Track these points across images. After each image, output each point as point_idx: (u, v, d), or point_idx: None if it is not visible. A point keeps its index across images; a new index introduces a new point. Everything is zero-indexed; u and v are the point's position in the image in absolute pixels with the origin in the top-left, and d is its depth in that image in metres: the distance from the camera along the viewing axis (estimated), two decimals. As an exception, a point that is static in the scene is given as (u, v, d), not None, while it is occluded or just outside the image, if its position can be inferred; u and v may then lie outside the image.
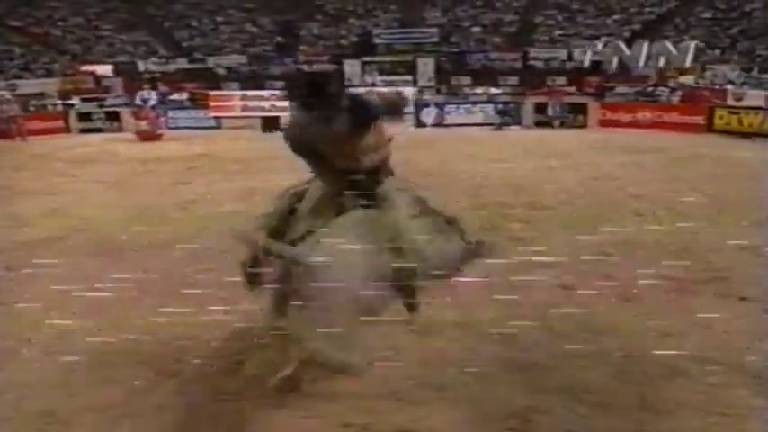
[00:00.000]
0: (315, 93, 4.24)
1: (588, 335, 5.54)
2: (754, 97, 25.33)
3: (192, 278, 6.90)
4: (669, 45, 30.52)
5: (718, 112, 22.80)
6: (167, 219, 10.09)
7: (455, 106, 26.64)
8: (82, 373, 5.16)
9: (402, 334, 5.43)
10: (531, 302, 6.08)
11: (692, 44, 30.67)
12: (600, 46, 33.62)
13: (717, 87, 28.58)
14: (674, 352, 5.07)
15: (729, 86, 28.36)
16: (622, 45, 31.70)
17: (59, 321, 5.95)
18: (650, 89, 28.99)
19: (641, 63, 30.54)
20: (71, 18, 43.65)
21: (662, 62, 30.14)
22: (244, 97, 27.22)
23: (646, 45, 30.68)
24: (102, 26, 43.64)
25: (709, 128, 22.45)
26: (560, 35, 41.54)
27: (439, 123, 25.71)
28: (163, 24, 44.37)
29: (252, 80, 36.79)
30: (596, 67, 34.40)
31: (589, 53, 34.27)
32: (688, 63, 30.06)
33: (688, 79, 30.05)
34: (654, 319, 5.69)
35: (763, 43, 34.99)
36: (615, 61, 31.57)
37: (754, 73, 31.01)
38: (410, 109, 24.75)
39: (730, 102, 25.47)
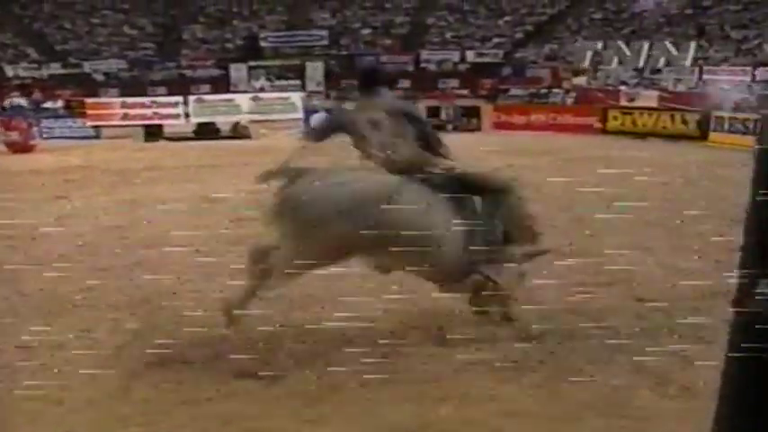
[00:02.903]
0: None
1: (487, 339, 5.57)
2: (647, 98, 25.82)
3: (70, 298, 6.68)
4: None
5: (612, 113, 23.14)
6: (42, 235, 9.37)
7: (345, 111, 25.94)
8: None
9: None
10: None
11: (692, 44, 30.89)
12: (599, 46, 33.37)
13: (610, 88, 28.91)
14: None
15: (623, 87, 28.73)
16: (623, 46, 31.59)
17: None
18: (544, 91, 29.19)
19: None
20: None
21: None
22: (124, 104, 26.36)
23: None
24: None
25: (604, 129, 22.71)
26: (452, 36, 41.45)
27: (328, 129, 24.95)
28: (32, 26, 42.34)
29: (132, 86, 35.59)
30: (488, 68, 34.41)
31: (589, 54, 33.96)
32: (689, 62, 30.24)
33: (581, 80, 30.32)
34: (553, 320, 5.76)
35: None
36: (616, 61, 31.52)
37: (646, 73, 31.39)
38: (299, 115, 23.92)
39: (624, 102, 25.96)
